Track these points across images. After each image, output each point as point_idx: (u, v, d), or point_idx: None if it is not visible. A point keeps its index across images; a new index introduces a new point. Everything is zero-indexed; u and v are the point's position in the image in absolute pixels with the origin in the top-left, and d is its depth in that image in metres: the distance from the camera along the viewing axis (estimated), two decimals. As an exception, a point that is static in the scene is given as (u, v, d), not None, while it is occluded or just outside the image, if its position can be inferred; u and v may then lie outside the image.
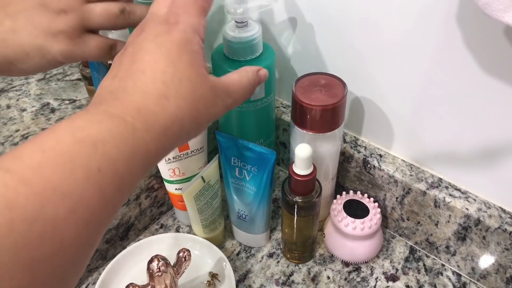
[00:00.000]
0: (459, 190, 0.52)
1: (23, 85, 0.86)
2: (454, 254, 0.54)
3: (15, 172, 0.22)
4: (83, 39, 0.37)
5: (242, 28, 0.49)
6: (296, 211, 0.50)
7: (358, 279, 0.55)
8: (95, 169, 0.24)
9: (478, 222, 0.49)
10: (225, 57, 0.51)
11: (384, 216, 0.59)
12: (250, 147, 0.50)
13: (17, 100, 0.83)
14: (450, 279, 0.54)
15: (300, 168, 0.47)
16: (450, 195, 0.51)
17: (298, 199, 0.49)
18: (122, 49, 0.33)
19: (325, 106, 0.46)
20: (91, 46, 0.38)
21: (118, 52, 0.44)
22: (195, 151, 0.53)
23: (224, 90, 0.34)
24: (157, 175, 0.57)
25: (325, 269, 0.56)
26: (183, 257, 0.49)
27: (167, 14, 0.32)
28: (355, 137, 0.58)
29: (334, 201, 0.56)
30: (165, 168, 0.53)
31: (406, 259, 0.57)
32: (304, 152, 0.46)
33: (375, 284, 0.54)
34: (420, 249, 0.57)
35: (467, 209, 0.50)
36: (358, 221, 0.53)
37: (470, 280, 0.54)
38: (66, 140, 0.24)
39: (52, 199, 0.22)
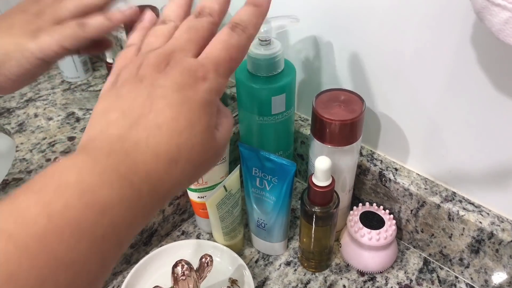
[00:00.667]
0: (472, 204, 0.53)
1: (50, 94, 0.90)
2: (467, 267, 0.55)
3: (19, 239, 0.21)
4: (59, 29, 0.38)
5: (266, 46, 0.51)
6: (314, 221, 0.52)
7: (373, 289, 0.56)
8: (99, 237, 0.23)
9: (491, 235, 0.51)
10: (249, 73, 0.53)
11: (399, 228, 0.60)
12: (271, 159, 0.52)
13: (44, 109, 0.86)
14: (463, 291, 0.56)
15: (320, 180, 0.49)
16: (464, 208, 0.53)
17: (316, 209, 0.51)
18: (131, 67, 0.30)
19: (344, 121, 0.49)
20: (66, 34, 0.37)
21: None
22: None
23: (224, 147, 0.32)
24: (181, 184, 0.59)
25: (341, 278, 0.58)
26: (206, 262, 0.51)
27: (198, 65, 0.29)
28: (371, 150, 0.61)
29: (351, 212, 0.58)
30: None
31: (420, 270, 0.58)
32: (324, 164, 0.48)
33: (390, 294, 0.56)
34: (434, 261, 0.59)
35: (480, 222, 0.51)
36: (374, 232, 0.54)
37: (483, 292, 0.55)
38: (75, 205, 0.22)
39: (55, 271, 0.21)
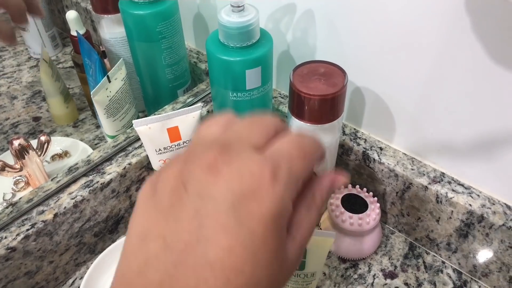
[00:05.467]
0: (462, 185, 0.49)
1: (15, 72, 0.84)
2: (455, 251, 0.52)
3: None
4: None
5: (238, 12, 0.47)
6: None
7: (355, 276, 0.53)
8: None
9: (481, 218, 0.47)
10: (220, 44, 0.49)
11: (384, 211, 0.57)
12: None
13: (8, 87, 0.81)
14: (450, 277, 0.52)
15: (297, 161, 0.45)
16: (453, 190, 0.49)
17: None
18: (177, 163, 0.22)
19: (324, 95, 0.44)
20: None
21: None
22: (187, 141, 0.51)
23: (300, 258, 0.24)
24: (148, 167, 0.55)
25: (322, 265, 0.54)
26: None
27: (265, 161, 0.21)
28: (355, 129, 0.56)
29: (332, 195, 0.54)
30: (155, 159, 0.51)
31: (405, 256, 0.55)
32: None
33: (373, 282, 0.52)
34: (420, 246, 0.56)
35: (470, 205, 0.48)
36: (356, 216, 0.51)
37: (472, 278, 0.52)
38: None
39: None
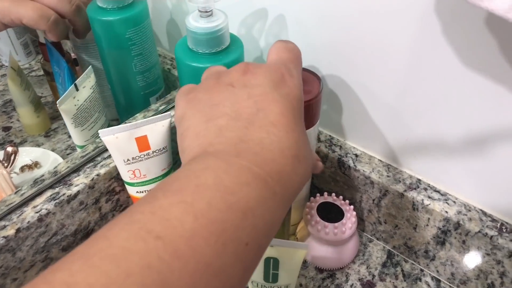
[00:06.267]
0: (438, 191, 0.49)
1: (-15, 81, 0.82)
2: (433, 259, 0.51)
3: (168, 241, 0.19)
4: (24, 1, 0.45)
5: (207, 18, 0.45)
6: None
7: (332, 287, 0.51)
8: (243, 243, 0.21)
9: (458, 225, 0.46)
10: (189, 50, 0.47)
11: (361, 219, 0.56)
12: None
13: (-22, 96, 0.78)
14: (429, 285, 0.51)
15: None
16: (429, 197, 0.48)
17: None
18: (211, 77, 0.30)
19: None
20: (28, 7, 0.45)
21: (53, 22, 0.48)
22: (157, 151, 0.49)
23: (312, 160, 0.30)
24: (118, 177, 0.53)
25: (298, 276, 0.52)
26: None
27: (277, 64, 0.29)
28: (330, 135, 0.55)
29: (308, 204, 0.52)
30: (124, 169, 0.49)
31: (384, 264, 0.54)
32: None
33: (351, 292, 0.51)
34: (398, 254, 0.54)
35: (446, 212, 0.47)
36: (331, 225, 0.49)
37: (450, 286, 0.51)
38: (218, 205, 0.21)
39: (204, 279, 0.19)
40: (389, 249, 0.55)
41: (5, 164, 0.57)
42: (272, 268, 0.42)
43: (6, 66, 0.84)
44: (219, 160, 0.23)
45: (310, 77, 0.46)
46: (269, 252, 0.41)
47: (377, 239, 0.56)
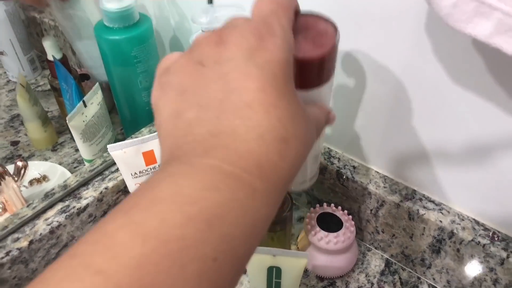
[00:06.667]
0: (433, 201, 0.51)
1: (-8, 96, 0.84)
2: (429, 267, 0.53)
3: (110, 275, 0.16)
4: None
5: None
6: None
7: (333, 294, 0.53)
8: (210, 259, 0.18)
9: (452, 234, 0.48)
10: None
11: (359, 229, 0.58)
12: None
13: (-14, 111, 0.81)
14: (426, 293, 0.53)
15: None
16: (424, 207, 0.50)
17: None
18: (187, 53, 0.24)
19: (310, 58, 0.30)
20: None
21: None
22: (163, 165, 0.51)
23: (314, 125, 0.26)
24: (125, 190, 0.55)
25: (299, 285, 0.54)
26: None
27: (257, 23, 0.24)
28: (329, 148, 0.57)
29: (308, 214, 0.54)
30: (131, 182, 0.51)
31: (382, 273, 0.55)
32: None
33: (350, 299, 0.53)
34: (396, 262, 0.56)
35: (441, 221, 0.49)
36: (331, 235, 0.51)
37: (446, 293, 0.53)
38: (174, 220, 0.18)
39: None
40: (387, 258, 0.57)
41: (15, 178, 0.59)
42: (275, 277, 0.44)
43: (13, 82, 0.87)
44: (182, 165, 0.20)
45: (321, 26, 0.32)
46: (272, 261, 0.43)
47: (375, 248, 0.58)
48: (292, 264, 0.43)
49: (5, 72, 0.88)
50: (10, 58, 0.84)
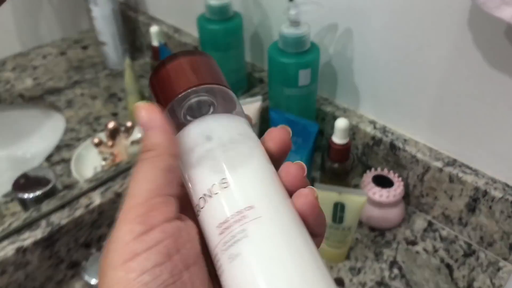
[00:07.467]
0: (470, 168, 0.61)
1: (94, 79, 1.00)
2: (465, 225, 0.63)
3: None
4: None
5: (296, 27, 0.61)
6: (332, 177, 0.61)
7: (383, 242, 0.64)
8: None
9: (485, 193, 0.59)
10: (279, 50, 0.63)
11: (407, 194, 0.68)
12: (296, 120, 0.61)
13: (90, 90, 0.96)
14: (461, 247, 0.63)
15: (339, 138, 0.58)
16: (463, 172, 0.61)
17: (336, 165, 0.60)
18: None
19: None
20: None
21: None
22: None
23: None
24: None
25: (355, 233, 0.66)
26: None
27: None
28: (384, 125, 0.69)
29: (364, 175, 0.66)
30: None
31: (425, 230, 0.66)
32: (342, 123, 0.57)
33: (397, 247, 0.64)
34: (437, 223, 0.67)
35: (476, 182, 0.59)
36: (384, 190, 0.63)
37: (479, 248, 0.63)
38: None
39: None
40: (429, 219, 0.67)
41: (126, 136, 0.74)
42: (339, 211, 0.56)
43: (110, 68, 1.03)
44: None
45: None
46: (338, 198, 0.55)
47: (420, 210, 0.68)
48: (354, 200, 0.55)
49: (103, 61, 1.04)
50: (109, 47, 1.01)
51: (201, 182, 0.25)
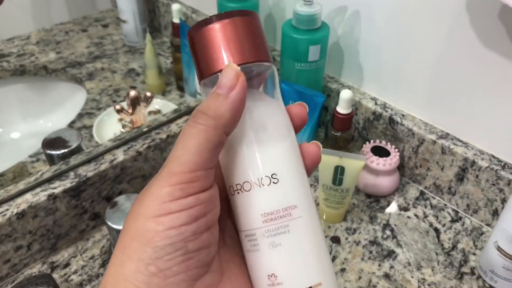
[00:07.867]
0: (461, 141, 0.67)
1: (113, 54, 1.06)
2: (454, 194, 0.69)
3: None
4: None
5: (309, 5, 0.67)
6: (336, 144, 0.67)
7: (377, 207, 0.70)
8: None
9: (473, 163, 0.65)
10: (293, 27, 0.69)
11: (402, 165, 0.74)
12: (304, 92, 0.67)
13: (109, 64, 1.03)
14: (449, 214, 0.69)
15: (343, 108, 0.64)
16: (454, 144, 0.67)
17: (339, 134, 0.66)
18: None
19: None
20: None
21: None
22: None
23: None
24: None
25: (351, 198, 0.72)
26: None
27: None
28: (384, 101, 0.75)
29: (364, 145, 0.72)
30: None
31: (417, 198, 0.72)
32: (346, 94, 0.63)
33: (390, 212, 0.70)
34: (428, 192, 0.73)
35: (465, 153, 0.65)
36: (381, 159, 0.69)
37: (465, 215, 0.69)
38: None
39: None
40: (421, 189, 0.73)
41: (145, 104, 0.80)
42: (339, 173, 0.62)
43: (128, 45, 1.09)
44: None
45: None
46: (338, 161, 0.61)
47: (413, 181, 0.74)
48: (353, 164, 0.61)
49: (121, 38, 1.10)
50: (129, 26, 1.07)
51: (250, 168, 0.27)
